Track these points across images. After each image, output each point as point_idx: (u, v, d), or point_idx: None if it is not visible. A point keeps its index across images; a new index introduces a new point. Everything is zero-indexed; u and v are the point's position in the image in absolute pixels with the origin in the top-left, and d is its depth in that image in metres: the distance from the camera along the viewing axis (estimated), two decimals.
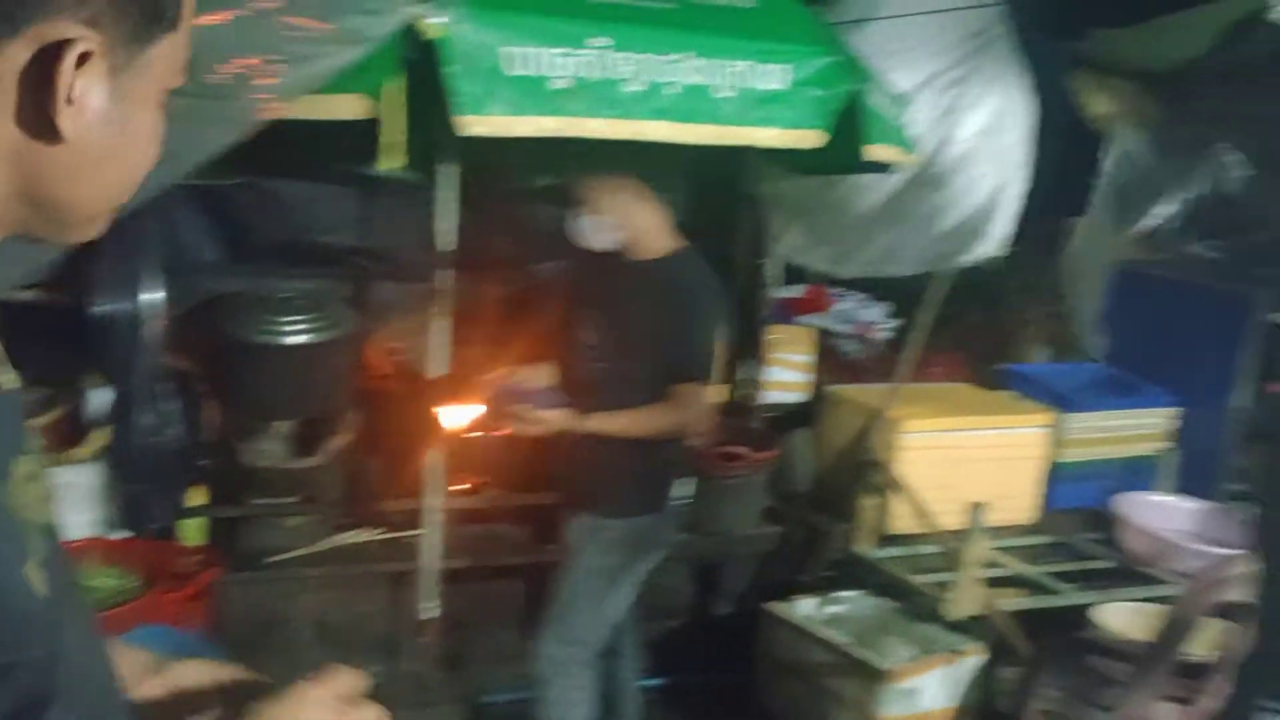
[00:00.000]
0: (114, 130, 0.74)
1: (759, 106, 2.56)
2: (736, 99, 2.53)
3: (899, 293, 4.75)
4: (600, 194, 2.73)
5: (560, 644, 2.96)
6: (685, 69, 2.46)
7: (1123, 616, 3.53)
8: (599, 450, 2.84)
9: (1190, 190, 4.18)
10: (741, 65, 2.52)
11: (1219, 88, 3.84)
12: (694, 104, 2.51)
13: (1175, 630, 2.81)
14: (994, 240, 3.56)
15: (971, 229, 3.57)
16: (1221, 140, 4.05)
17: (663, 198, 2.82)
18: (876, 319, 5.00)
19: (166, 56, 0.77)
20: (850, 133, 2.77)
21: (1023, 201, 3.56)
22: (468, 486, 3.84)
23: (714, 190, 4.50)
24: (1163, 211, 4.24)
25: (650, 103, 2.47)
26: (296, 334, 3.57)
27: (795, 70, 2.58)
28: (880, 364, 4.68)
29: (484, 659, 3.75)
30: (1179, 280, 4.37)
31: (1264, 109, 3.74)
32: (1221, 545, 3.76)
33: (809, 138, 2.63)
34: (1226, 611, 2.67)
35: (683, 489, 2.94)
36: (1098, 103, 3.94)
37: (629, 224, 2.76)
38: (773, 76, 2.56)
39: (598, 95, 2.43)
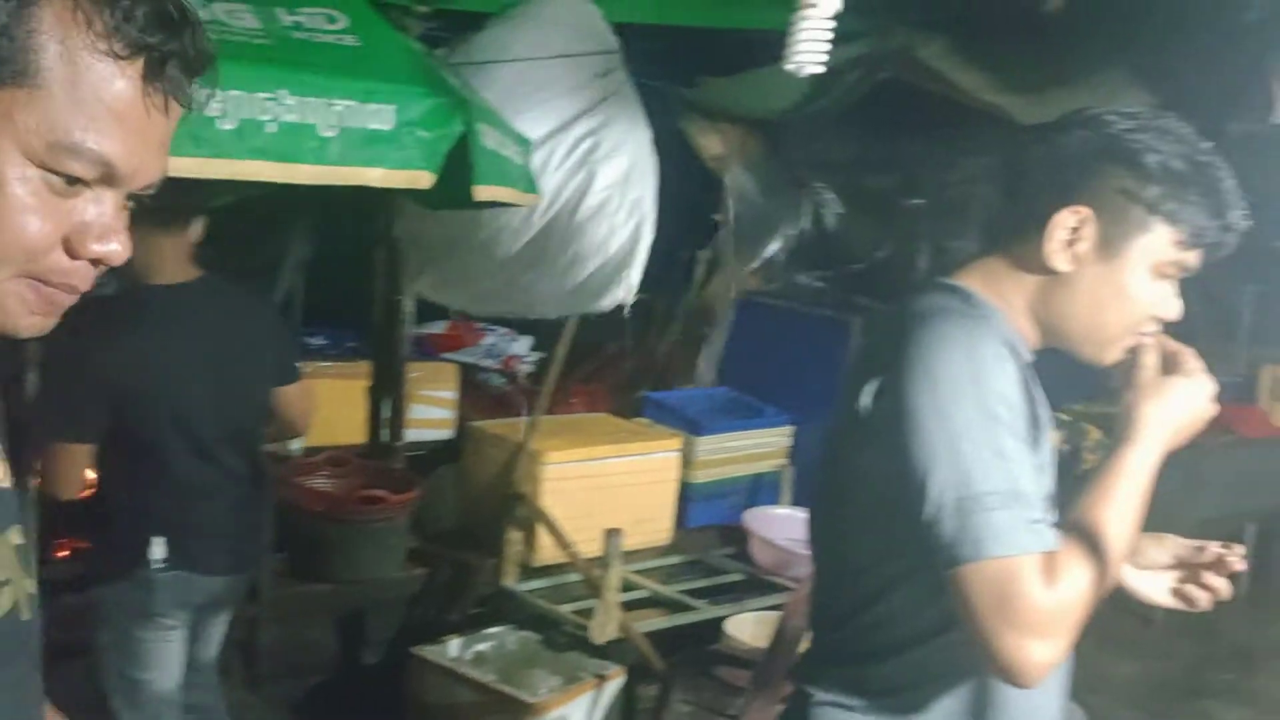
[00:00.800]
0: None
1: (364, 146, 2.50)
2: (340, 139, 2.47)
3: (542, 326, 4.86)
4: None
5: None
6: (281, 107, 2.37)
7: (750, 626, 3.77)
8: None
9: (794, 226, 4.58)
10: (342, 104, 2.46)
11: (810, 133, 4.24)
12: (295, 143, 2.41)
13: (785, 635, 3.02)
14: (628, 288, 3.72)
15: (608, 277, 3.71)
16: (817, 181, 4.46)
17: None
18: (521, 353, 5.08)
19: (25, 116, 0.70)
20: (466, 173, 2.78)
21: (649, 251, 3.74)
22: (67, 553, 3.49)
23: (350, 226, 4.41)
24: (773, 245, 4.61)
25: (247, 141, 2.35)
26: None
27: (400, 111, 2.55)
28: (526, 397, 4.76)
29: None
30: (789, 308, 4.77)
31: (846, 153, 4.16)
32: None
33: (417, 178, 2.61)
34: None
35: (158, 550, 2.67)
36: (710, 145, 4.22)
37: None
38: (377, 116, 2.52)
39: (187, 133, 2.29)
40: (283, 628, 3.81)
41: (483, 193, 2.83)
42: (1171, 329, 1.46)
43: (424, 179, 2.61)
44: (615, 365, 5.08)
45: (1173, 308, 1.41)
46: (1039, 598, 1.19)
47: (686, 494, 4.50)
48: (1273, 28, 2.58)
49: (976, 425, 1.24)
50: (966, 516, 1.21)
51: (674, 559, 4.36)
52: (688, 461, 4.49)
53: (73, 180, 0.73)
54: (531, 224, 3.64)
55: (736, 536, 4.43)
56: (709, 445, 4.54)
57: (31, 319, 0.77)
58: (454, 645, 3.75)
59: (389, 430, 4.30)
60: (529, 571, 4.05)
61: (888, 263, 4.76)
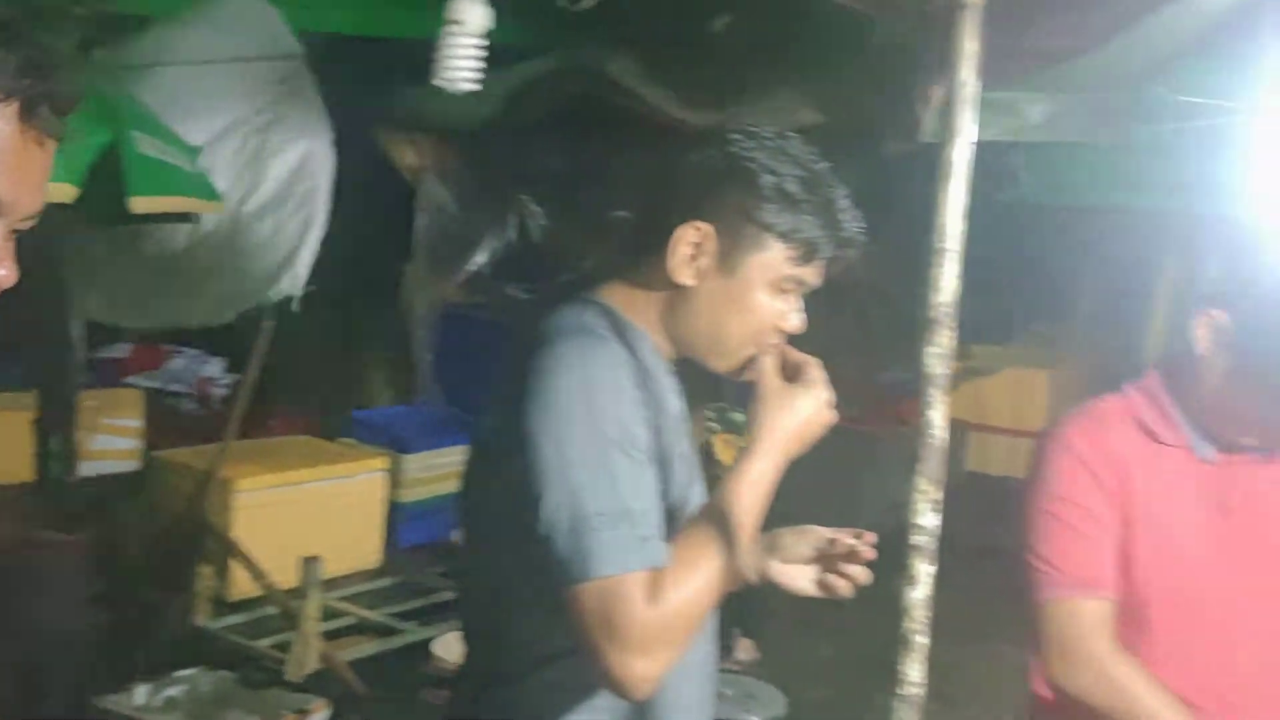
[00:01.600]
0: None
1: None
2: None
3: (237, 347, 4.60)
4: None
5: None
6: None
7: (458, 645, 3.70)
8: None
9: (499, 238, 4.55)
10: None
11: (514, 146, 4.23)
12: None
13: None
14: (294, 279, 3.58)
15: (276, 270, 3.57)
16: (521, 193, 4.46)
17: None
18: (214, 375, 4.80)
19: None
20: (119, 184, 2.59)
21: (321, 245, 3.61)
22: None
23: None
24: (477, 257, 4.57)
25: None
26: None
27: None
28: (221, 422, 4.50)
29: None
30: (497, 320, 4.74)
31: (550, 166, 4.19)
32: None
33: (57, 191, 2.40)
34: None
35: None
36: (403, 155, 4.13)
37: None
38: None
39: None
40: None
41: (142, 204, 2.66)
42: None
43: (66, 192, 2.41)
44: (323, 384, 4.89)
45: (793, 321, 1.46)
46: (641, 615, 1.21)
47: (396, 514, 4.39)
48: (911, 55, 2.79)
49: (588, 447, 1.25)
50: (577, 538, 1.22)
51: (383, 582, 4.24)
52: (396, 481, 4.38)
53: None
54: (199, 229, 3.48)
55: (450, 554, 4.36)
56: (418, 463, 4.45)
57: None
58: (141, 692, 3.49)
59: (60, 465, 3.95)
60: (224, 607, 3.84)
61: (593, 274, 4.81)
